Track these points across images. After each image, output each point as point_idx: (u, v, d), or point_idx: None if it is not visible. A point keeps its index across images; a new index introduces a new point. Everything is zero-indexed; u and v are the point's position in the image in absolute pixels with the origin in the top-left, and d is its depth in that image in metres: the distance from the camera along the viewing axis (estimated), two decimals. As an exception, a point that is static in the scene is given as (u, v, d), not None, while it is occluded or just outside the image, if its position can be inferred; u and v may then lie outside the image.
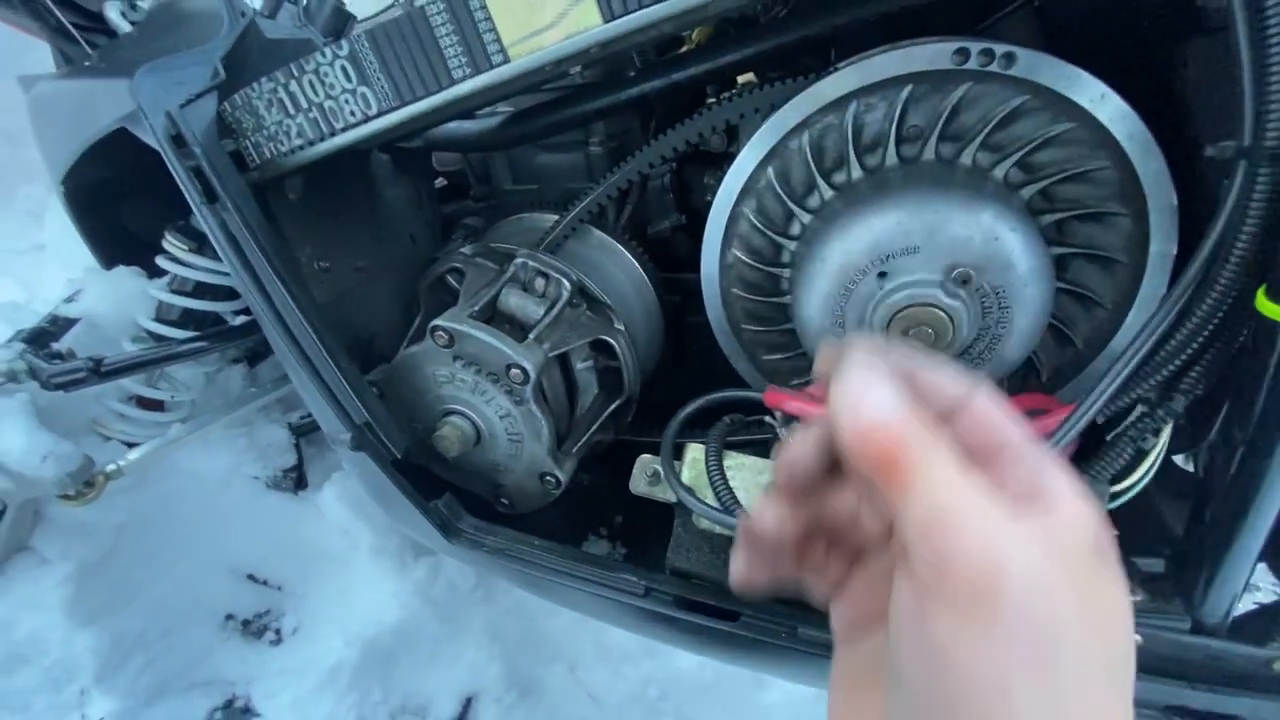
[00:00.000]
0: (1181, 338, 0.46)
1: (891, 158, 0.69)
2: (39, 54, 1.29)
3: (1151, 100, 0.61)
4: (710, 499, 0.65)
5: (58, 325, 1.00)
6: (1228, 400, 0.48)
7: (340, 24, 1.08)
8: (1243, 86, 0.42)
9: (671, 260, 1.07)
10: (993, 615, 0.20)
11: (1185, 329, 0.45)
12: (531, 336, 0.80)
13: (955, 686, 0.21)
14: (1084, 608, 0.21)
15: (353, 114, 0.64)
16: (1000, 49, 0.62)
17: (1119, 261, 0.68)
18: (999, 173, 0.67)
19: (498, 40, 0.55)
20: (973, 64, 0.63)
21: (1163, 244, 0.65)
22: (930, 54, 0.64)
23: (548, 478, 0.85)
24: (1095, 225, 0.68)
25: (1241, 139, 0.42)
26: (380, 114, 0.62)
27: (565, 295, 0.84)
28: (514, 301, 0.83)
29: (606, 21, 0.52)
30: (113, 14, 1.10)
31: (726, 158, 1.00)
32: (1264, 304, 0.41)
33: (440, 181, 1.27)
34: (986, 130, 0.65)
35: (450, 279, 0.94)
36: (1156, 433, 0.53)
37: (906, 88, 0.66)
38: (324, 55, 0.60)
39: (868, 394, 0.23)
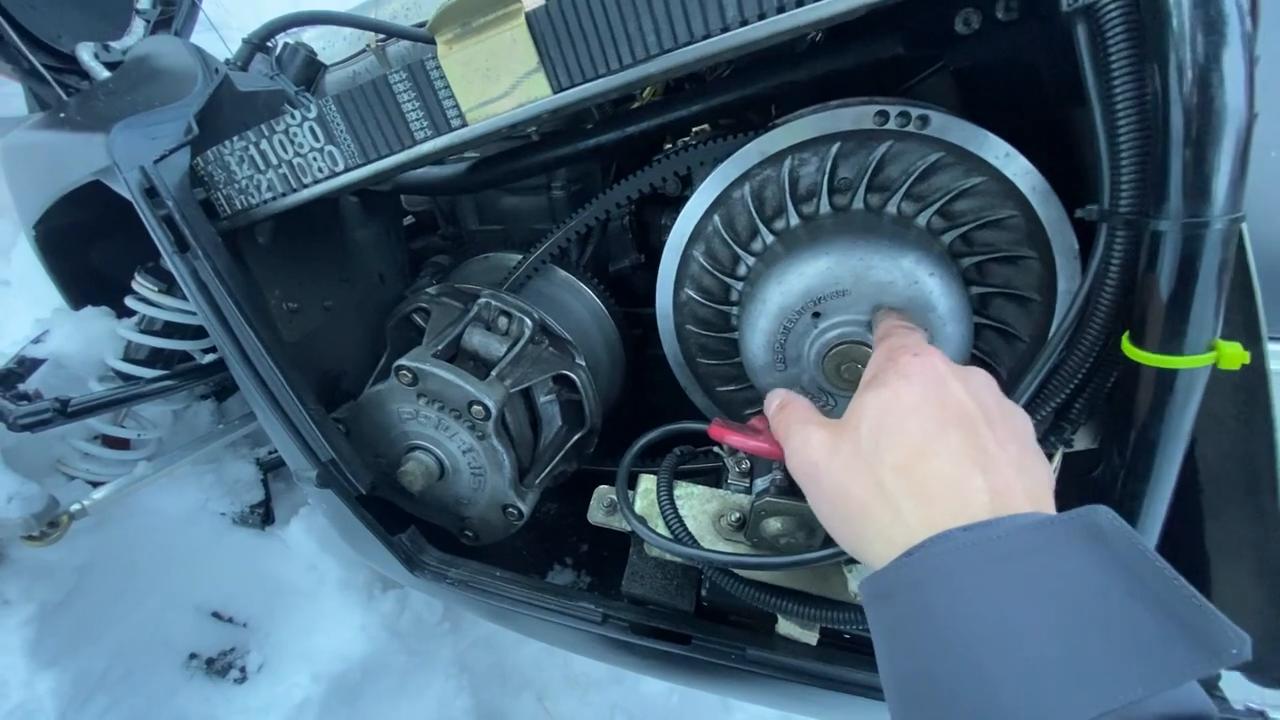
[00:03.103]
0: (1064, 375, 0.51)
1: (825, 207, 0.75)
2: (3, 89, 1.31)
3: (1052, 158, 0.68)
4: (661, 528, 0.69)
5: (25, 366, 1.01)
6: (1109, 428, 0.54)
7: (312, 74, 1.12)
8: (1101, 156, 0.48)
9: (632, 296, 1.11)
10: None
11: (1067, 368, 0.51)
12: (493, 374, 0.83)
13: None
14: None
15: (320, 170, 0.68)
16: (916, 111, 0.69)
17: (1032, 299, 0.74)
18: (922, 220, 0.73)
19: (456, 106, 0.60)
20: (892, 124, 0.69)
21: (1068, 283, 0.71)
22: (854, 115, 0.70)
23: (510, 510, 0.87)
24: (1010, 267, 0.74)
25: (1102, 203, 0.48)
26: (347, 170, 0.67)
27: (527, 333, 0.88)
28: (477, 340, 0.86)
29: (556, 92, 0.58)
30: (86, 56, 1.13)
31: (683, 200, 1.06)
32: (1129, 348, 0.47)
33: (408, 220, 1.31)
34: (908, 182, 0.72)
35: (416, 318, 0.97)
36: (1050, 458, 0.58)
37: (835, 144, 0.72)
38: (293, 117, 0.65)
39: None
